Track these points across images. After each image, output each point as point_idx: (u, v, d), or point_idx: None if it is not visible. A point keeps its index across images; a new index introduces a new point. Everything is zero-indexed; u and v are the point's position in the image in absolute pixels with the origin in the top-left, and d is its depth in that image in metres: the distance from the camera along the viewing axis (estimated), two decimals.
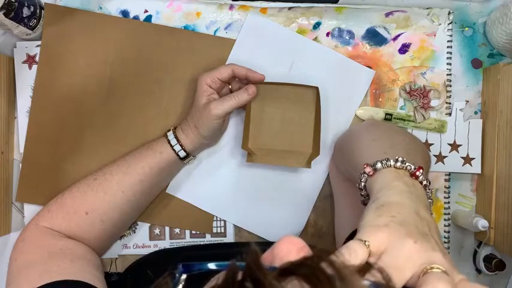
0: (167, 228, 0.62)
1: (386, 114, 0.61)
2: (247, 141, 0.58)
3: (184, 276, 0.24)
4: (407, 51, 0.62)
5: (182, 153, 0.55)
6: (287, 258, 0.24)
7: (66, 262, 0.48)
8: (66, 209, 0.53)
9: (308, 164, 0.56)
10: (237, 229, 0.62)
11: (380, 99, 0.62)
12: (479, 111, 0.62)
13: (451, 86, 0.62)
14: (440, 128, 0.61)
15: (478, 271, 0.63)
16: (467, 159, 0.62)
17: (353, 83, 0.61)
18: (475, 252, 0.63)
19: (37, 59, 0.60)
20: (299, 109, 0.58)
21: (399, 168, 0.38)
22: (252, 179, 0.61)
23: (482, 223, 0.57)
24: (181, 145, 0.55)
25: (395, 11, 0.61)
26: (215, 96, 0.55)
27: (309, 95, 0.57)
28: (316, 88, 0.57)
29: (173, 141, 0.55)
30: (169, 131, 0.57)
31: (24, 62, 0.61)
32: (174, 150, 0.55)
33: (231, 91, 0.58)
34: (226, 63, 0.59)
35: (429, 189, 0.39)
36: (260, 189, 0.61)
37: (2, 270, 0.62)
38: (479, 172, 0.62)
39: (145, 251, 0.61)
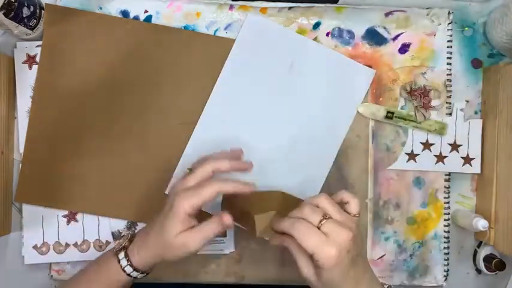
0: None
1: (388, 112, 0.61)
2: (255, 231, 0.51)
3: None
4: (407, 51, 0.62)
5: (141, 276, 0.51)
6: None
7: None
8: None
9: None
10: (237, 229, 0.62)
11: (381, 99, 0.62)
12: (479, 111, 0.62)
13: (451, 85, 0.62)
14: (441, 130, 0.61)
15: (478, 271, 0.63)
16: (467, 159, 0.62)
17: (353, 82, 0.61)
18: (475, 252, 0.63)
19: (37, 59, 0.60)
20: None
21: None
22: (252, 179, 0.61)
23: (482, 223, 0.57)
24: (141, 272, 0.50)
25: (395, 11, 0.61)
26: (194, 223, 0.48)
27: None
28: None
29: (128, 269, 0.49)
30: (119, 251, 0.49)
31: (24, 62, 0.61)
32: (131, 276, 0.50)
33: None
34: (209, 156, 0.52)
35: None
36: (261, 188, 0.61)
37: (2, 270, 0.62)
38: (479, 172, 0.62)
39: None
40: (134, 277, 0.50)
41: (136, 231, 0.61)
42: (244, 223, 0.53)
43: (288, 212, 0.49)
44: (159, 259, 0.49)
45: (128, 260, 0.49)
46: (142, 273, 0.50)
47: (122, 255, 0.49)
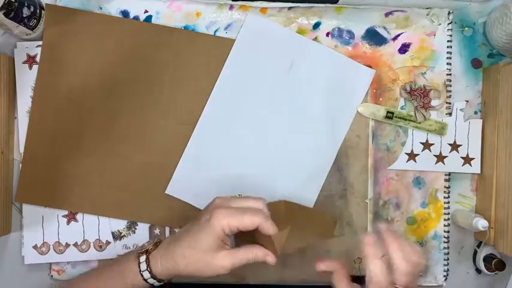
0: (167, 228, 0.62)
1: (388, 112, 0.61)
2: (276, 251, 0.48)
3: None
4: (407, 51, 0.62)
5: (158, 284, 0.49)
6: None
7: None
8: None
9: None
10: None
11: (380, 99, 0.62)
12: (479, 111, 0.62)
13: (451, 86, 0.62)
14: (441, 130, 0.61)
15: (478, 271, 0.63)
16: (467, 159, 0.62)
17: (353, 82, 0.61)
18: (475, 252, 0.63)
19: (37, 59, 0.60)
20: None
21: None
22: (252, 180, 0.61)
23: (482, 223, 0.57)
24: (158, 280, 0.49)
25: (395, 11, 0.61)
26: (228, 242, 0.47)
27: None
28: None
29: (146, 274, 0.48)
30: (142, 254, 0.49)
31: (24, 62, 0.61)
32: (148, 282, 0.48)
33: None
34: (256, 203, 0.49)
35: None
36: (260, 190, 0.61)
37: (2, 270, 0.62)
38: (479, 172, 0.62)
39: None
40: (151, 284, 0.49)
41: (136, 230, 0.62)
42: (261, 240, 0.50)
43: (294, 220, 0.49)
44: (183, 274, 0.47)
45: (148, 265, 0.48)
46: (159, 281, 0.49)
47: (143, 258, 0.48)
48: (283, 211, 0.50)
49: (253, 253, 0.46)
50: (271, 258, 0.47)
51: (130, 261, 0.49)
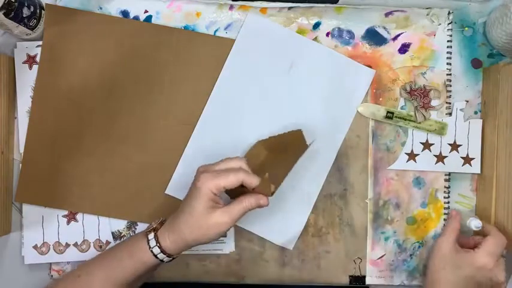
0: None
1: (388, 112, 0.61)
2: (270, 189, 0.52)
3: None
4: (407, 51, 0.62)
5: (167, 259, 0.51)
6: None
7: None
8: None
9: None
10: (237, 229, 0.62)
11: (380, 99, 0.62)
12: (479, 111, 0.62)
13: (451, 86, 0.62)
14: (441, 131, 0.61)
15: None
16: (467, 159, 0.62)
17: (353, 82, 0.61)
18: None
19: (37, 59, 0.61)
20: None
21: None
22: None
23: (475, 223, 0.57)
24: (168, 255, 0.50)
25: (395, 11, 0.61)
26: (221, 202, 0.50)
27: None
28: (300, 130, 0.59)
29: (156, 250, 0.50)
30: (150, 232, 0.51)
31: (24, 62, 0.61)
32: (158, 258, 0.50)
33: None
34: (234, 162, 0.51)
35: None
36: None
37: (2, 270, 0.62)
38: (479, 172, 0.62)
39: None
40: (161, 260, 0.51)
41: (136, 230, 0.62)
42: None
43: (275, 153, 0.56)
44: (190, 242, 0.50)
45: (157, 242, 0.50)
46: (169, 256, 0.51)
47: (151, 235, 0.51)
48: (262, 150, 0.56)
49: (246, 201, 0.49)
50: (263, 201, 0.50)
51: (138, 240, 0.51)
